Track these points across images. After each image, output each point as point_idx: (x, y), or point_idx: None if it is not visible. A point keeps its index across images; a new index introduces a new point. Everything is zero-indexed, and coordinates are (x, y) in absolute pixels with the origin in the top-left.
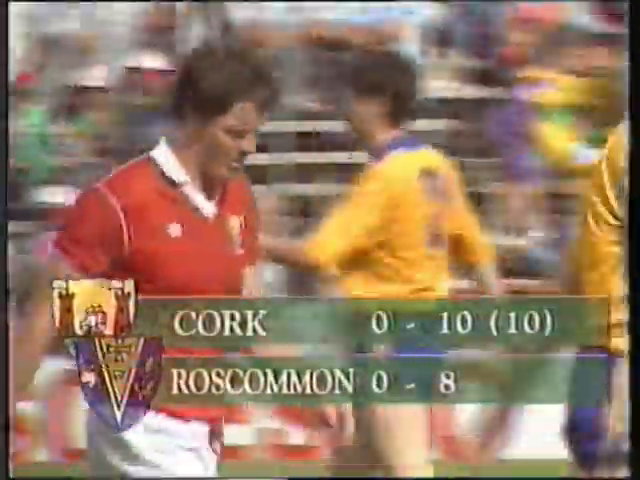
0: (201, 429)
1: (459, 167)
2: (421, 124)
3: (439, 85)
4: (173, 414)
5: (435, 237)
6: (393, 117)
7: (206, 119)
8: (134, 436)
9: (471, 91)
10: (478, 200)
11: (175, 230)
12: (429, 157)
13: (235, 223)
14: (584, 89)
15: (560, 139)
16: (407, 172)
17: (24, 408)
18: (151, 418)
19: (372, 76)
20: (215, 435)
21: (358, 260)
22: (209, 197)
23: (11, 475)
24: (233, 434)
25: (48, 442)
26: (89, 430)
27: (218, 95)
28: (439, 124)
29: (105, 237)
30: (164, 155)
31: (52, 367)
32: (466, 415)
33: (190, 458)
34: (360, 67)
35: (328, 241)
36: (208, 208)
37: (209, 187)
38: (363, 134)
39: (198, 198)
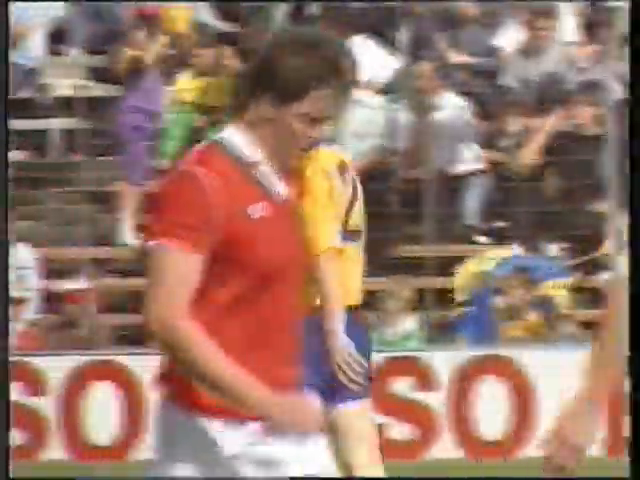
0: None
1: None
2: (43, 123)
3: (61, 83)
4: None
5: (348, 232)
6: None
7: (281, 104)
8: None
9: (95, 90)
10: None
11: (255, 211)
12: (339, 154)
13: (302, 206)
14: (207, 88)
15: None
16: (329, 166)
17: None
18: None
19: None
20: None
21: None
22: (280, 179)
23: (11, 475)
24: None
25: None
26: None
27: (295, 82)
28: (62, 123)
29: (204, 217)
30: (234, 136)
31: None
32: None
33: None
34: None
35: (328, 232)
36: (281, 189)
37: (279, 170)
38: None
39: (272, 179)
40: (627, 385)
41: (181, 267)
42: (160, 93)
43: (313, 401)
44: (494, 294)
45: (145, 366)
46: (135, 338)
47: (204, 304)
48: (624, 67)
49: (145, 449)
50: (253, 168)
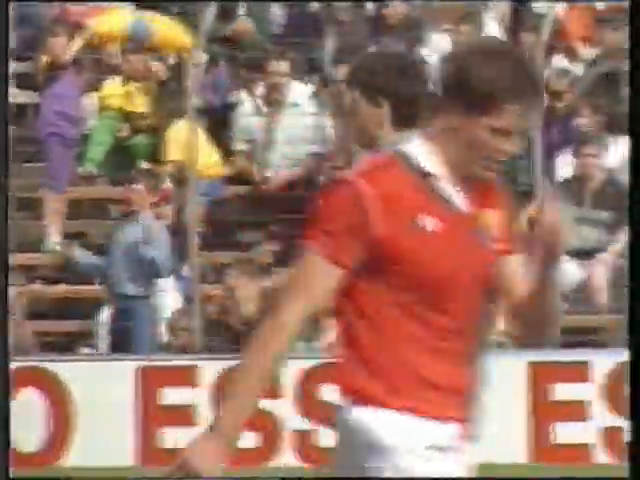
0: (454, 429)
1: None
2: None
3: None
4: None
5: None
6: (397, 122)
7: (470, 115)
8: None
9: (19, 96)
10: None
11: (428, 223)
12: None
13: (487, 218)
14: (134, 94)
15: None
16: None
17: None
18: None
19: (380, 78)
20: (463, 436)
21: None
22: (460, 191)
23: (11, 475)
24: None
25: None
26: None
27: (487, 94)
28: None
29: (357, 230)
30: (416, 148)
31: None
32: None
33: (442, 458)
34: (368, 69)
35: None
36: (460, 202)
37: (460, 182)
38: (367, 137)
39: (450, 191)
40: (626, 389)
41: (315, 274)
42: (77, 98)
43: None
44: None
45: (72, 372)
46: (61, 345)
47: (357, 314)
48: (549, 72)
49: (72, 455)
50: (432, 180)
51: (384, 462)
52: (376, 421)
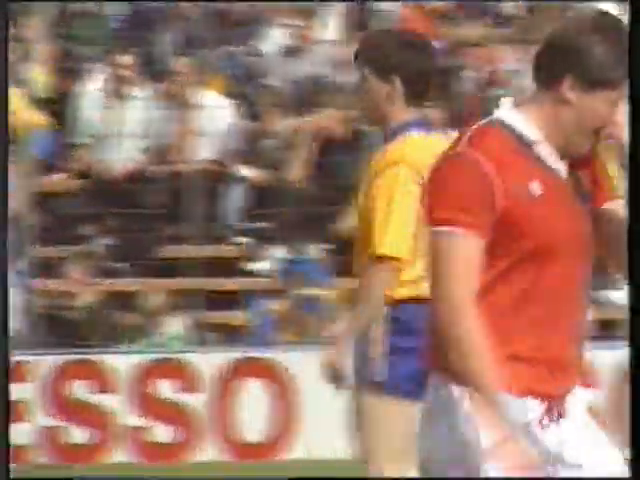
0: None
1: None
2: None
3: None
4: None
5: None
6: (409, 98)
7: (593, 91)
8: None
9: None
10: None
11: (536, 188)
12: (442, 142)
13: (583, 179)
14: None
15: None
16: (425, 155)
17: None
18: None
19: (390, 55)
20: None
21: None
22: (558, 157)
23: (11, 475)
24: None
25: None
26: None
27: (612, 69)
28: None
29: (485, 200)
30: (513, 116)
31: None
32: None
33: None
34: (377, 46)
35: (401, 236)
36: (561, 167)
37: (558, 149)
38: (379, 114)
39: (551, 157)
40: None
41: (468, 252)
42: None
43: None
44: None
45: None
46: None
47: (483, 283)
48: None
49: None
50: (533, 147)
51: (488, 441)
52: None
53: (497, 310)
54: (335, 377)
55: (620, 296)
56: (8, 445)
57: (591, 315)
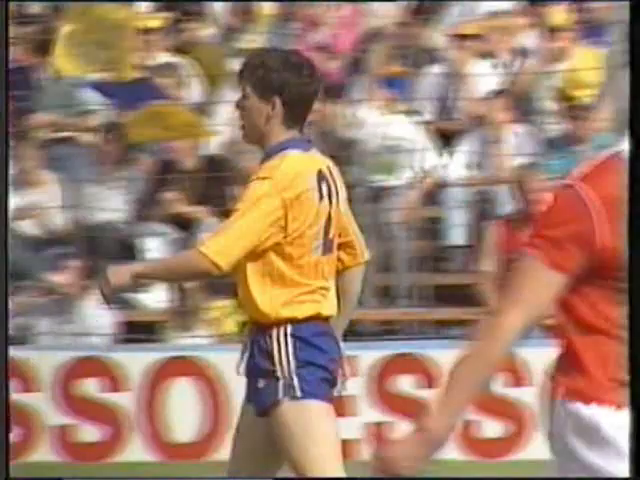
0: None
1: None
2: None
3: None
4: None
5: (326, 241)
6: (288, 120)
7: None
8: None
9: None
10: None
11: None
12: (320, 159)
13: None
14: None
15: None
16: (304, 172)
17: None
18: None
19: (272, 76)
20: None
21: (254, 263)
22: None
23: (11, 475)
24: None
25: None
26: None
27: None
28: None
29: (581, 235)
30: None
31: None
32: None
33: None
34: (260, 66)
35: (229, 245)
36: None
37: None
38: (258, 133)
39: None
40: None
41: (536, 280)
42: None
43: None
44: None
45: None
46: None
47: (573, 322)
48: None
49: None
50: None
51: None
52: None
53: (600, 337)
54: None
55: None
56: (8, 445)
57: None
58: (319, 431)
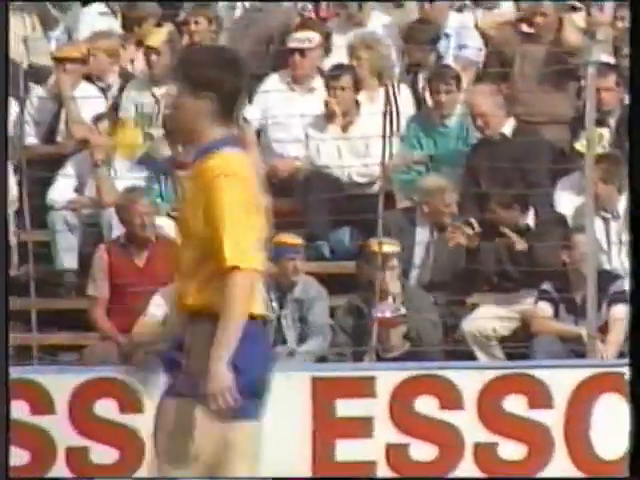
0: None
1: None
2: None
3: None
4: None
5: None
6: (222, 115)
7: None
8: None
9: None
10: None
11: None
12: (254, 160)
13: None
14: None
15: None
16: (247, 171)
17: None
18: None
19: (203, 72)
20: None
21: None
22: None
23: (11, 475)
24: None
25: None
26: None
27: None
28: None
29: None
30: None
31: None
32: None
33: None
34: (191, 62)
35: (248, 246)
36: None
37: None
38: (191, 131)
39: None
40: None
41: None
42: None
43: None
44: None
45: None
46: None
47: None
48: None
49: None
50: None
51: None
52: None
53: None
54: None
55: None
56: (8, 445)
57: None
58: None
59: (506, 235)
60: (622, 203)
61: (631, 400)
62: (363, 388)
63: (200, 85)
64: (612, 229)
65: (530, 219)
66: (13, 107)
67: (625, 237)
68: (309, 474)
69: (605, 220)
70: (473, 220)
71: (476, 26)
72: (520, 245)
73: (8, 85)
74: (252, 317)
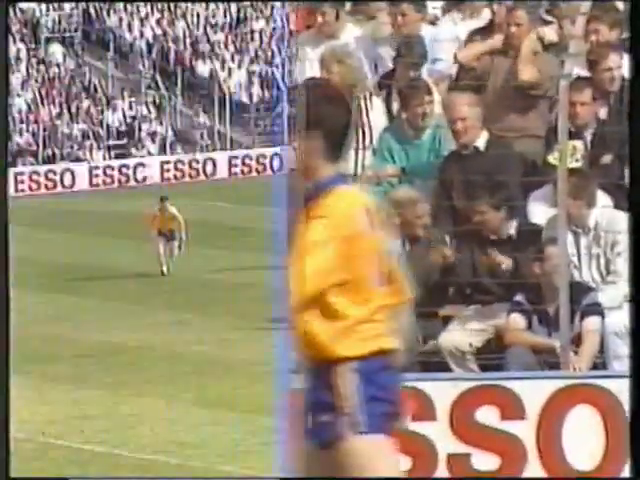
0: None
1: None
2: None
3: None
4: None
5: (380, 274)
6: (332, 152)
7: None
8: None
9: None
10: None
11: None
12: (364, 194)
13: None
14: None
15: None
16: (354, 207)
17: None
18: None
19: (313, 110)
20: None
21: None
22: None
23: (11, 475)
24: None
25: None
26: None
27: None
28: None
29: None
30: None
31: None
32: None
33: None
34: (303, 101)
35: (301, 287)
36: None
37: None
38: (307, 169)
39: None
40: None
41: None
42: None
43: None
44: None
45: None
46: None
47: None
48: None
49: None
50: None
51: None
52: None
53: None
54: None
55: None
56: (8, 445)
57: None
58: (382, 465)
59: (489, 254)
60: (592, 218)
61: (631, 401)
62: None
63: (310, 123)
64: (582, 243)
65: (513, 229)
66: None
67: (595, 250)
68: None
69: (575, 234)
70: (447, 237)
71: (455, 58)
72: (505, 264)
73: (8, 84)
74: (385, 352)
